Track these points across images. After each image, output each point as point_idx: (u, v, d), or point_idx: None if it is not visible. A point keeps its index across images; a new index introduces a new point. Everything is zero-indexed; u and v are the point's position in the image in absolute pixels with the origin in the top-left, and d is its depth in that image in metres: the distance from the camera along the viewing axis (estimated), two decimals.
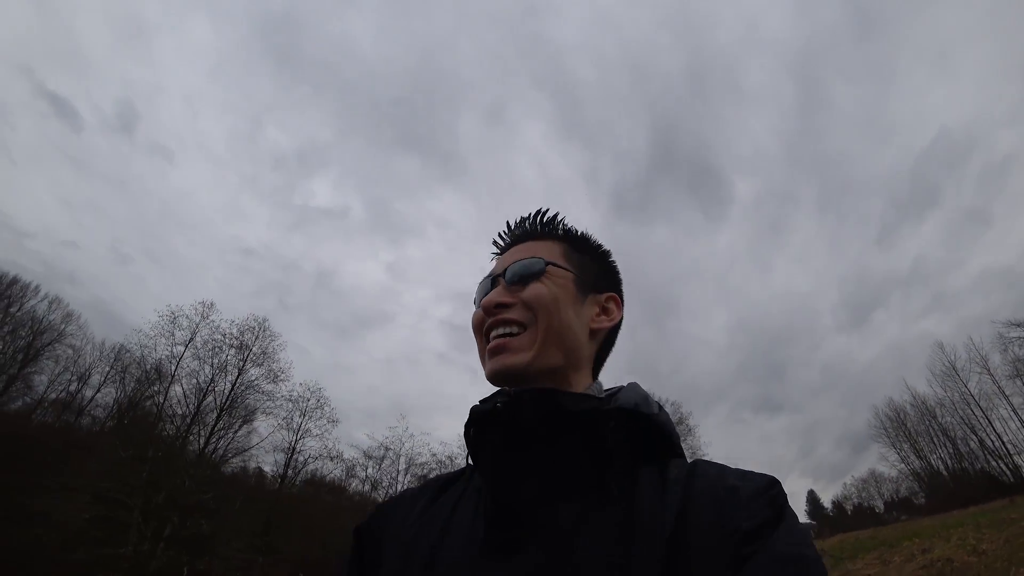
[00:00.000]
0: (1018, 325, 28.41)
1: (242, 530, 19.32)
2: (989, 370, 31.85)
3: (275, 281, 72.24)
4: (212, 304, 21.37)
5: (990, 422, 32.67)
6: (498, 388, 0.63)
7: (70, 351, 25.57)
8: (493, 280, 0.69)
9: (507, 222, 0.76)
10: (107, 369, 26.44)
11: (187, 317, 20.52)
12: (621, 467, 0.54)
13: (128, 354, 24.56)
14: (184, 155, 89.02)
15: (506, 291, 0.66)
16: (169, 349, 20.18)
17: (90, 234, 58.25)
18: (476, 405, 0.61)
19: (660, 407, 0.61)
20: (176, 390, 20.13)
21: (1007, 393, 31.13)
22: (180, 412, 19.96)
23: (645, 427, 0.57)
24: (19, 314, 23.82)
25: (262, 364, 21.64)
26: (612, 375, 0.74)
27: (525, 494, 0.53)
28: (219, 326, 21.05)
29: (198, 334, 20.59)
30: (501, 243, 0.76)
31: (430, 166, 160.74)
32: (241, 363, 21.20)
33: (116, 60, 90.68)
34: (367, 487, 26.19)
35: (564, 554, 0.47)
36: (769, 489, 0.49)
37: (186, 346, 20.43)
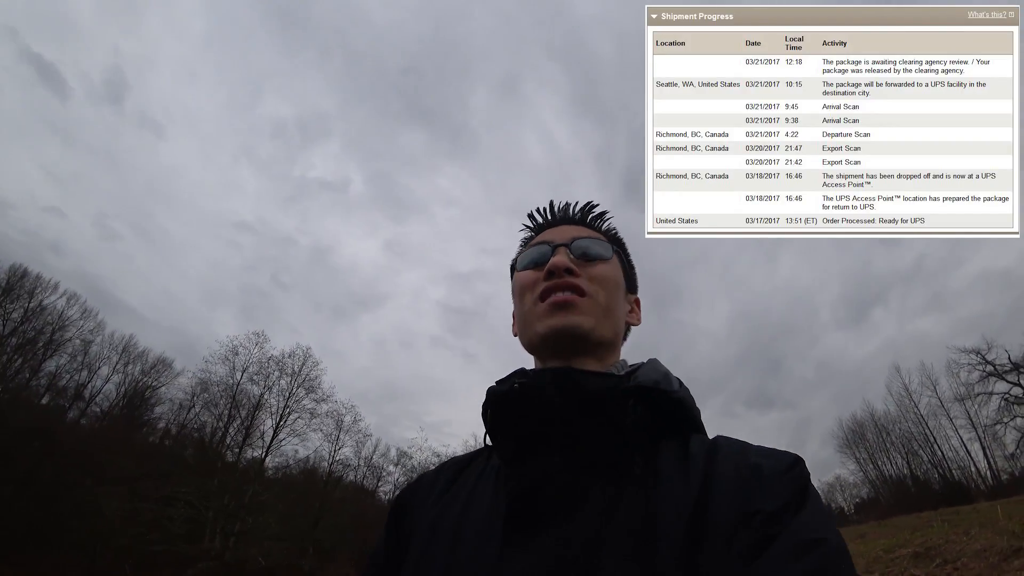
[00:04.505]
0: (965, 352, 32.12)
1: (296, 525, 23.42)
2: (937, 393, 36.01)
3: (269, 256, 70.21)
4: (263, 333, 25.49)
5: (935, 440, 36.93)
6: (517, 369, 0.63)
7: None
8: (554, 248, 0.69)
9: (551, 201, 0.78)
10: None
11: (244, 347, 24.54)
12: (642, 445, 0.54)
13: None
14: (176, 125, 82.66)
15: (571, 261, 0.66)
16: (231, 376, 24.16)
17: (76, 207, 54.89)
18: (493, 387, 0.62)
19: (680, 383, 0.62)
20: (235, 411, 24.17)
21: (952, 415, 35.27)
22: (241, 429, 24.08)
23: (665, 404, 0.57)
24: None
25: (309, 389, 25.68)
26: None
27: (548, 473, 0.53)
28: (271, 355, 25.08)
29: (251, 361, 24.59)
30: (539, 219, 0.78)
31: (438, 140, 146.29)
32: (292, 387, 25.27)
33: (105, 26, 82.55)
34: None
35: (588, 531, 0.47)
36: (792, 468, 0.48)
37: (243, 372, 24.42)
